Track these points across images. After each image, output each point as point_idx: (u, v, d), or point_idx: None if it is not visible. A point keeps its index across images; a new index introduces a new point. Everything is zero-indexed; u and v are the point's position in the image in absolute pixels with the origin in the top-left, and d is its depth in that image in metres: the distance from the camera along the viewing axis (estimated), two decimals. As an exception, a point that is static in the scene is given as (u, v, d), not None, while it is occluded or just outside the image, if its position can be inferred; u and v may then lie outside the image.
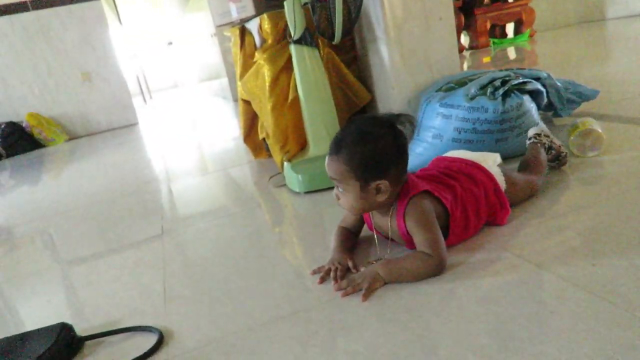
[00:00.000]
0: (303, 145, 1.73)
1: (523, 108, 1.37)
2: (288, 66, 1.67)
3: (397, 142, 0.92)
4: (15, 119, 4.31)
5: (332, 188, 0.98)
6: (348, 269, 0.97)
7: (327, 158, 0.94)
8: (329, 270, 0.97)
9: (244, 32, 1.88)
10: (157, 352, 0.84)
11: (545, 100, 1.51)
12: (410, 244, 0.96)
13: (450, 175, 1.02)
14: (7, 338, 0.91)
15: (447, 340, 0.71)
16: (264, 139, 1.97)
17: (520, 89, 1.40)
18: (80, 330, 0.95)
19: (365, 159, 0.89)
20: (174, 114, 5.29)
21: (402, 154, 0.93)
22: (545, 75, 1.56)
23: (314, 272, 0.99)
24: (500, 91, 1.35)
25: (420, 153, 1.46)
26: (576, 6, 5.15)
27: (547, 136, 1.26)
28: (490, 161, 1.07)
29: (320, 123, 1.63)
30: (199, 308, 0.97)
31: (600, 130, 1.30)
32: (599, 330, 0.66)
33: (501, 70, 1.52)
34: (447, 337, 0.72)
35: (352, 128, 0.94)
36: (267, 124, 1.77)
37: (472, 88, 1.41)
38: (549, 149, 1.24)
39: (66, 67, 4.48)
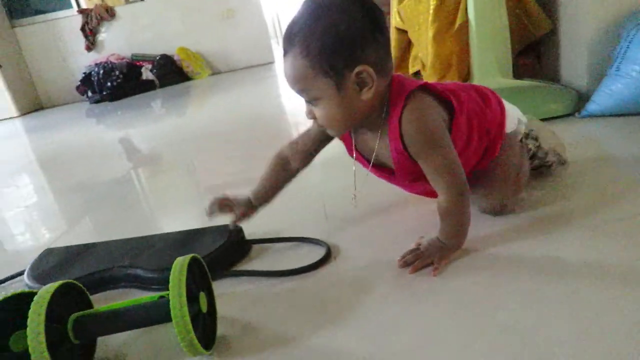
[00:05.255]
0: (464, 78, 1.56)
1: None
2: (458, -13, 1.49)
3: (369, 11, 0.65)
4: (168, 53, 4.66)
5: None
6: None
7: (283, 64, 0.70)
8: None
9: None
10: (326, 264, 0.81)
11: None
12: (403, 172, 0.77)
13: (457, 87, 0.80)
14: (185, 231, 0.95)
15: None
16: (415, 73, 1.83)
17: None
18: (246, 235, 0.95)
19: (326, 38, 0.64)
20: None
21: (380, 29, 0.66)
22: None
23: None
24: None
25: (617, 91, 1.22)
26: None
27: (535, 139, 0.93)
28: (515, 111, 0.87)
29: (491, 54, 1.43)
30: (361, 231, 0.92)
31: None
32: None
33: None
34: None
35: (302, 10, 0.67)
36: (423, 53, 1.63)
37: None
38: (532, 156, 0.92)
39: (211, 2, 4.68)
